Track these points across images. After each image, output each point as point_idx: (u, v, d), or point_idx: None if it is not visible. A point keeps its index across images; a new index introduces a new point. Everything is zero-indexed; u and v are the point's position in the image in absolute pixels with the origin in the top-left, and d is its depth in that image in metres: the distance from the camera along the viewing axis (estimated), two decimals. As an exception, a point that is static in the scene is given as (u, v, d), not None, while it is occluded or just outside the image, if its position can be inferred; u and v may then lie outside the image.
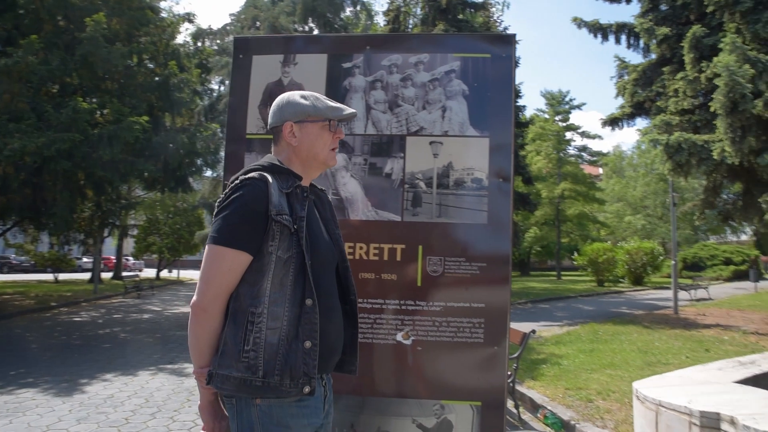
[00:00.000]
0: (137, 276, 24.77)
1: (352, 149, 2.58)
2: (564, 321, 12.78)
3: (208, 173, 18.35)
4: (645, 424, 3.09)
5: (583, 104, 50.97)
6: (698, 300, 19.04)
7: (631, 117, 14.20)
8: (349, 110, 1.72)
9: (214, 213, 1.58)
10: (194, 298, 1.53)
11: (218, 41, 20.67)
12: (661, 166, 13.12)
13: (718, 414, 2.60)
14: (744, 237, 44.00)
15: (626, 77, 13.78)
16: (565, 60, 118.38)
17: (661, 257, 30.38)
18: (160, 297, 20.22)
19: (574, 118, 72.81)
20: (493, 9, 20.55)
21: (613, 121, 14.59)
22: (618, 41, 14.16)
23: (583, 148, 38.97)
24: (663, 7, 13.03)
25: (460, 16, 18.07)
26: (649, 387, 3.20)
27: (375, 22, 22.18)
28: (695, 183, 28.37)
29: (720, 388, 3.13)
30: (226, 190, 1.57)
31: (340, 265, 1.77)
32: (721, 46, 9.73)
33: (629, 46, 14.11)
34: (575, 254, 29.77)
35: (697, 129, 11.58)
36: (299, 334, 1.50)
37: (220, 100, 16.56)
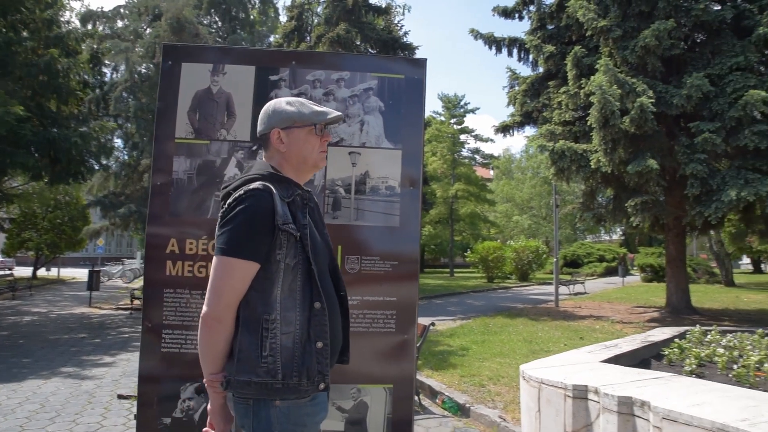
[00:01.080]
0: (11, 275, 22.83)
1: (278, 156, 2.79)
2: (457, 315, 13.57)
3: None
4: (530, 399, 3.58)
5: (477, 108, 53.35)
6: (576, 294, 20.87)
7: (520, 125, 15.35)
8: (334, 114, 1.77)
9: (219, 224, 1.61)
10: (205, 309, 1.57)
11: (110, 25, 19.53)
12: (546, 171, 14.30)
13: (586, 386, 3.11)
14: (615, 237, 48.49)
15: (517, 88, 14.88)
16: (462, 65, 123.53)
17: (545, 255, 32.79)
18: (41, 298, 18.75)
19: (469, 121, 76.02)
20: (395, 12, 21.21)
21: (504, 129, 15.68)
22: (510, 54, 15.26)
23: (476, 151, 40.88)
24: (550, 27, 14.24)
25: (364, 19, 18.45)
26: (533, 369, 3.70)
27: (281, 21, 22.08)
28: (576, 187, 30.88)
29: (589, 366, 3.67)
30: (230, 201, 1.59)
31: (330, 263, 1.84)
32: (597, 66, 10.86)
33: (520, 59, 15.27)
34: (467, 252, 31.23)
35: (577, 139, 12.79)
36: (311, 336, 1.59)
37: (115, 88, 15.71)
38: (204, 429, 1.72)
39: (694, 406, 2.49)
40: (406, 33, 20.86)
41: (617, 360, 4.11)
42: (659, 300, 16.25)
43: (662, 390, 2.90)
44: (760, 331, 5.13)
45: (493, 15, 15.48)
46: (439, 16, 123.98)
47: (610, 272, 36.61)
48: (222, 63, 2.80)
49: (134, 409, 4.92)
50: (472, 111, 40.35)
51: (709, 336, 4.88)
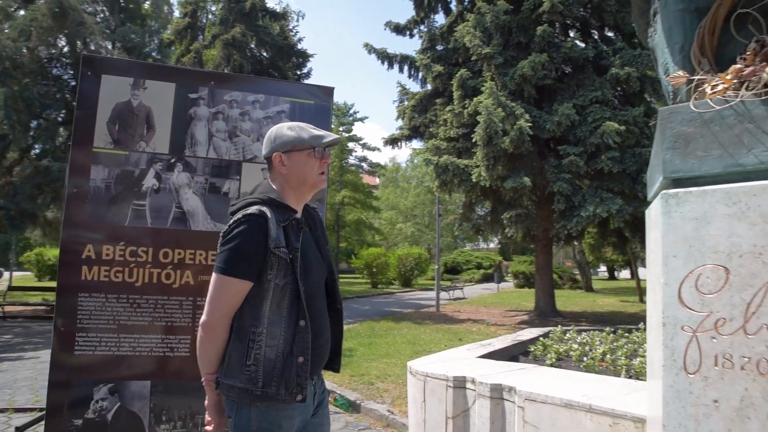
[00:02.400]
0: None
1: (195, 170, 2.98)
2: (345, 320, 13.94)
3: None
4: (416, 391, 4.02)
5: (366, 118, 54.33)
6: (455, 299, 22.13)
7: (408, 138, 16.14)
8: (331, 137, 1.89)
9: (220, 243, 1.77)
10: (204, 318, 1.75)
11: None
12: (431, 182, 15.17)
13: (464, 377, 3.60)
14: (492, 245, 51.70)
15: (406, 103, 15.66)
16: (352, 74, 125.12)
17: (427, 262, 34.26)
18: None
19: (357, 129, 77.18)
20: (290, 18, 21.31)
21: (393, 141, 16.40)
22: (401, 70, 16.04)
23: (363, 159, 41.64)
24: (439, 48, 15.18)
25: (260, 23, 18.38)
26: (419, 364, 4.15)
27: (174, 17, 21.30)
28: (457, 198, 32.66)
29: (468, 361, 4.19)
30: (230, 224, 1.76)
31: (329, 278, 1.97)
32: (482, 89, 11.83)
33: (410, 76, 16.09)
34: (352, 258, 31.79)
35: (460, 154, 13.76)
36: (293, 351, 1.72)
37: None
38: (206, 423, 1.88)
39: (549, 388, 3.04)
40: (300, 39, 21.03)
41: (491, 356, 4.69)
42: (529, 304, 17.79)
43: (526, 378, 3.45)
44: (607, 329, 6.03)
45: (385, 29, 16.19)
46: (332, 25, 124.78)
47: (486, 279, 38.87)
48: (143, 78, 2.94)
49: (13, 422, 4.73)
50: (361, 120, 41.10)
51: (567, 334, 5.65)
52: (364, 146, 40.23)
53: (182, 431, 2.85)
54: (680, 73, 1.99)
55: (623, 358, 4.55)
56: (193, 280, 2.89)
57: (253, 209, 1.75)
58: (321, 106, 3.25)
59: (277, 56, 18.32)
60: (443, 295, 20.77)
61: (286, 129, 1.88)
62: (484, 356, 4.61)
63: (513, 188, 11.82)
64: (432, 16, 15.92)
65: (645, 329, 5.79)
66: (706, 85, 1.84)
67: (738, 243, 1.64)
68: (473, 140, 12.11)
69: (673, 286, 1.75)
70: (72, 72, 15.62)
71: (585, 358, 4.56)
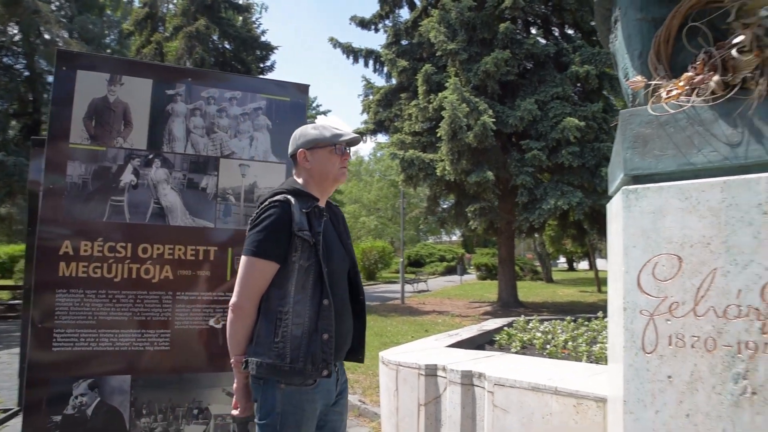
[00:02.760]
0: None
1: (173, 165, 3.01)
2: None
3: None
4: (389, 380, 4.14)
5: (329, 111, 54.10)
6: (419, 291, 22.41)
7: (373, 132, 16.24)
8: (351, 135, 2.04)
9: (248, 229, 1.91)
10: (234, 299, 1.86)
11: None
12: (396, 176, 15.32)
13: (435, 365, 3.74)
14: (454, 238, 52.35)
15: (371, 97, 15.74)
16: (315, 67, 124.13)
17: (391, 255, 34.50)
18: None
19: (320, 122, 76.52)
20: (254, 10, 21.07)
21: (358, 135, 16.44)
22: (366, 65, 16.11)
23: (328, 152, 41.31)
24: (404, 42, 15.30)
25: (223, 15, 18.13)
26: (391, 354, 4.28)
27: (135, 6, 20.75)
28: (421, 191, 32.94)
29: (437, 351, 4.34)
30: (258, 211, 1.90)
31: (351, 270, 2.06)
32: (447, 84, 12.01)
33: (375, 70, 16.17)
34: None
35: (425, 149, 13.94)
36: (318, 328, 1.82)
37: None
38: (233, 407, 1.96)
39: (517, 373, 3.21)
40: (263, 32, 20.82)
41: (459, 345, 4.85)
42: (492, 295, 18.18)
43: (494, 364, 3.62)
44: (568, 318, 6.30)
45: (350, 24, 16.22)
46: (294, 18, 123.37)
47: (449, 271, 39.36)
48: (119, 74, 2.95)
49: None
50: (324, 113, 40.92)
51: (530, 324, 5.87)
52: (328, 140, 39.82)
53: (162, 424, 2.90)
54: (639, 77, 2.16)
55: (584, 345, 4.78)
56: (172, 275, 2.93)
57: (278, 196, 1.89)
58: (296, 103, 3.32)
59: (241, 49, 18.11)
60: (407, 287, 21.00)
61: (310, 128, 2.05)
62: (452, 345, 4.77)
63: (477, 182, 12.07)
64: (397, 11, 16.02)
65: (603, 318, 6.09)
66: (661, 90, 2.01)
67: (689, 234, 1.81)
68: (438, 135, 12.29)
69: (633, 274, 1.91)
70: (25, 62, 15.11)
71: (548, 346, 4.78)
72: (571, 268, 45.16)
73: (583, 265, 47.72)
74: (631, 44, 2.29)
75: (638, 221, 1.93)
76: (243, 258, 1.87)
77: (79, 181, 2.85)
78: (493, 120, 11.76)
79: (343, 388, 2.04)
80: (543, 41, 13.46)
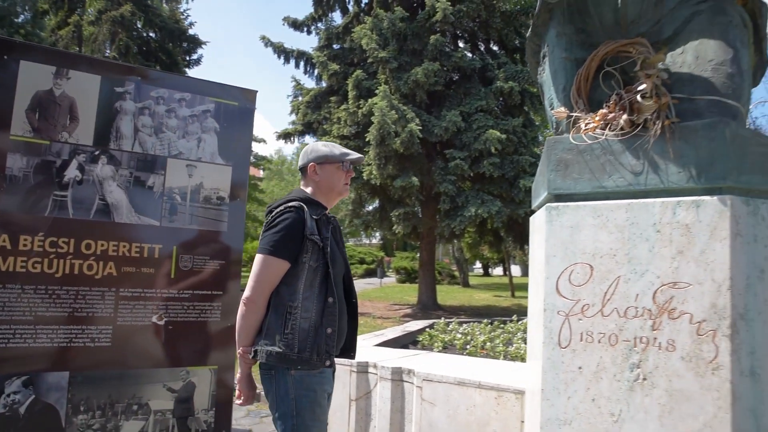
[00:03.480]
0: None
1: (120, 163, 3.04)
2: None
3: None
4: (320, 378, 4.32)
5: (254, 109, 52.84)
6: (341, 293, 22.53)
7: (302, 134, 16.26)
8: (356, 155, 2.29)
9: (263, 231, 2.08)
10: (247, 293, 2.02)
11: None
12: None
13: (366, 362, 3.96)
14: (374, 241, 52.91)
15: (301, 99, 15.76)
16: (241, 63, 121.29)
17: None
18: None
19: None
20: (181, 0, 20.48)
21: (286, 136, 16.43)
22: (297, 66, 16.10)
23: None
24: (336, 46, 15.45)
25: (149, 1, 17.51)
26: (322, 352, 4.46)
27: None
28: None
29: (366, 350, 4.55)
30: (273, 215, 2.08)
31: (346, 275, 2.26)
32: (377, 91, 12.29)
33: (306, 72, 16.20)
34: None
35: (353, 152, 14.14)
36: (323, 323, 2.03)
37: None
38: (236, 396, 2.12)
39: (443, 369, 3.48)
40: (191, 24, 20.25)
41: (385, 345, 5.10)
42: (412, 298, 18.65)
43: (422, 361, 3.88)
44: (485, 321, 6.73)
45: (283, 24, 16.18)
46: (223, 13, 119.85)
47: (369, 274, 39.74)
48: (66, 68, 2.94)
49: None
50: (251, 110, 40.06)
51: (450, 326, 6.23)
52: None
53: (101, 420, 2.91)
54: (562, 109, 2.48)
55: (501, 345, 5.18)
56: (116, 272, 2.96)
57: (293, 203, 2.10)
58: (245, 108, 3.43)
59: (167, 39, 17.55)
60: (330, 289, 21.05)
61: (320, 146, 2.26)
62: (379, 345, 5.01)
63: (402, 187, 12.43)
64: (330, 15, 16.15)
65: (518, 321, 6.54)
66: (581, 122, 2.34)
67: (600, 247, 2.13)
68: (366, 139, 12.55)
69: (553, 280, 2.22)
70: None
71: (468, 346, 5.14)
72: (486, 274, 46.91)
73: (498, 270, 49.73)
74: (557, 79, 2.62)
75: (558, 234, 2.24)
76: (259, 256, 2.04)
77: (20, 174, 2.82)
78: (420, 128, 12.17)
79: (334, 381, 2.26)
80: (470, 55, 14.06)
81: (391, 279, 35.85)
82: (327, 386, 2.11)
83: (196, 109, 3.28)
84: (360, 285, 29.54)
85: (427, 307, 15.11)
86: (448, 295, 21.46)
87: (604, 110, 2.22)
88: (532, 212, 2.76)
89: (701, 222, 1.94)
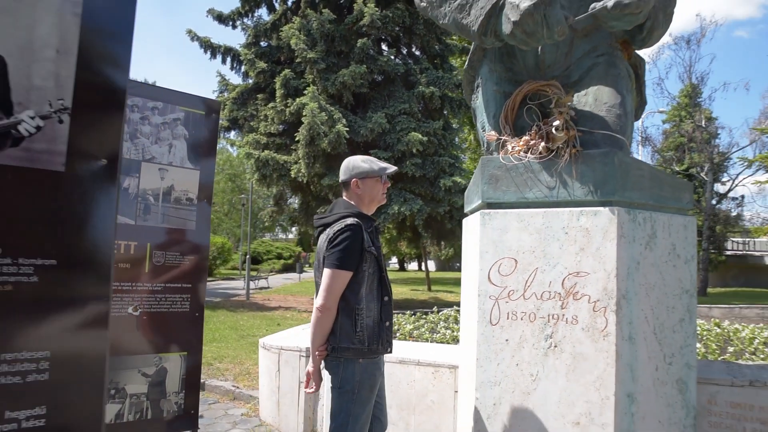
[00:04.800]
0: None
1: (98, 166, 3.29)
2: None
3: None
4: (270, 363, 4.69)
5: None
6: (261, 288, 22.60)
7: (227, 130, 16.23)
8: (392, 168, 2.63)
9: (330, 247, 2.38)
10: (320, 302, 2.37)
11: None
12: (249, 175, 15.51)
13: (316, 348, 4.41)
14: (291, 236, 52.77)
15: (227, 95, 15.73)
16: (158, 54, 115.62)
17: (230, 251, 33.94)
18: None
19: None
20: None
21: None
22: (224, 62, 16.04)
23: (168, 144, 39.27)
24: (263, 44, 15.55)
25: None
26: (271, 340, 4.83)
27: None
28: (260, 189, 32.86)
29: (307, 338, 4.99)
30: (336, 232, 2.39)
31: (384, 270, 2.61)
32: (305, 92, 12.61)
33: (233, 68, 16.16)
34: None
35: (279, 149, 14.40)
36: (383, 318, 2.44)
37: None
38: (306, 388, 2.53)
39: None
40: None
41: (326, 333, 5.57)
42: (333, 293, 19.06)
43: (365, 345, 4.39)
44: (408, 312, 7.35)
45: (207, 16, 16.03)
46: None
47: (287, 269, 39.73)
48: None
49: None
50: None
51: (381, 315, 6.78)
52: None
53: (79, 401, 3.18)
54: (493, 133, 3.06)
55: (426, 333, 5.80)
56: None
57: (350, 220, 2.42)
58: (210, 116, 3.76)
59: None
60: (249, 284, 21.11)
61: (360, 161, 2.59)
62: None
63: (329, 185, 12.86)
64: (256, 11, 16.20)
65: (438, 312, 7.20)
66: (508, 144, 2.92)
67: (522, 245, 2.72)
68: (295, 138, 12.84)
69: (485, 271, 2.78)
70: None
71: (397, 334, 5.71)
72: (402, 269, 48.22)
73: (413, 266, 51.14)
74: (488, 107, 3.20)
75: (490, 235, 2.81)
76: (328, 270, 2.39)
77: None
78: (347, 129, 12.65)
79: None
80: (395, 59, 14.70)
81: (310, 274, 36.13)
82: (382, 367, 2.57)
83: (168, 117, 3.57)
84: (279, 280, 29.64)
85: (350, 300, 15.60)
86: (368, 289, 22.07)
87: (527, 137, 2.82)
88: (463, 215, 3.32)
89: (597, 226, 2.58)
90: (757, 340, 5.55)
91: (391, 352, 2.54)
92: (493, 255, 2.79)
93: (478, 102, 3.36)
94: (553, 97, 2.81)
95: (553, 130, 2.69)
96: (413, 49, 15.95)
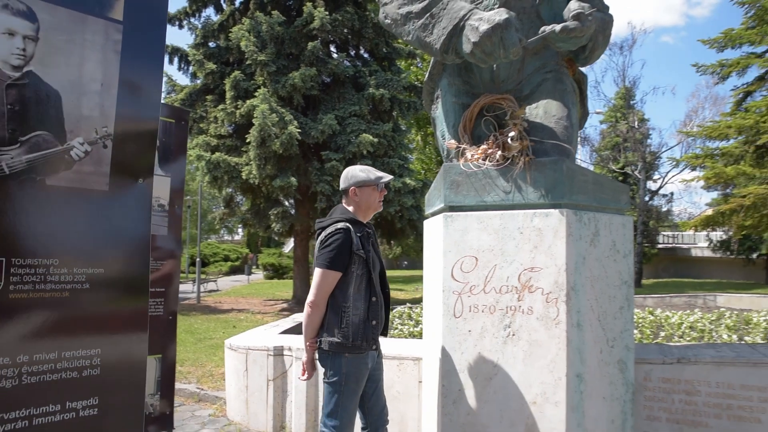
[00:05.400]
0: None
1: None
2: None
3: None
4: (238, 363, 4.82)
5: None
6: (210, 291, 22.30)
7: (174, 130, 15.94)
8: (387, 177, 2.84)
9: (320, 248, 2.63)
10: (311, 298, 2.63)
11: None
12: (199, 177, 15.34)
13: (282, 346, 4.57)
14: (237, 237, 51.95)
15: (174, 95, 15.48)
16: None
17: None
18: None
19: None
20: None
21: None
22: (171, 62, 15.76)
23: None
24: (212, 44, 15.40)
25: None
26: (238, 341, 4.95)
27: None
28: (206, 191, 32.25)
29: (275, 338, 5.13)
30: (326, 234, 2.64)
31: (380, 271, 2.83)
32: (256, 94, 12.62)
33: (180, 69, 15.92)
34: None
35: (230, 151, 14.32)
36: (369, 317, 2.64)
37: None
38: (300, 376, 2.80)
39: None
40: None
41: (287, 333, 5.72)
42: (283, 294, 19.12)
43: (331, 342, 4.58)
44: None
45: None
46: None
47: (234, 271, 39.16)
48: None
49: None
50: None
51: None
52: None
53: (56, 405, 3.24)
54: (452, 141, 3.33)
55: (387, 327, 6.02)
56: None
57: (341, 224, 2.67)
58: (180, 124, 3.87)
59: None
60: (195, 287, 20.79)
61: (358, 171, 2.83)
62: (283, 333, 5.62)
63: (281, 186, 12.92)
64: (204, 11, 16.02)
65: (393, 309, 7.44)
66: (467, 152, 3.20)
67: (482, 244, 3.00)
68: (246, 140, 12.83)
69: (449, 268, 3.05)
70: None
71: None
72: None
73: (362, 264, 51.14)
74: (448, 117, 3.47)
75: (452, 235, 3.08)
76: (318, 270, 2.63)
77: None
78: (299, 131, 12.75)
79: (379, 352, 2.89)
80: (346, 63, 14.88)
81: (258, 276, 35.73)
82: (369, 363, 2.74)
83: (138, 126, 3.66)
84: (228, 282, 29.25)
85: (302, 301, 15.58)
86: (319, 289, 22.15)
87: (484, 146, 3.11)
88: (413, 216, 3.58)
89: (548, 227, 2.88)
90: (684, 325, 6.11)
91: (376, 349, 2.76)
92: (455, 254, 3.05)
93: (438, 112, 3.63)
94: (508, 110, 3.11)
95: (509, 140, 2.99)
96: (362, 52, 16.18)
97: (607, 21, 3.27)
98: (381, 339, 2.89)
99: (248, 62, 13.56)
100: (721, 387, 3.30)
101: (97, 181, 1.47)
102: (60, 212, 1.41)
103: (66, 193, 1.43)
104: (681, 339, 5.36)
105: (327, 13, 13.60)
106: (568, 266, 2.83)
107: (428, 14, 3.12)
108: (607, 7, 3.46)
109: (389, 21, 3.38)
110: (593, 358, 2.94)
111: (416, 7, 3.16)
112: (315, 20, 13.42)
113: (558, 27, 2.86)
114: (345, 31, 14.73)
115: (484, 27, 2.79)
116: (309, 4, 13.72)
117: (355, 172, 2.84)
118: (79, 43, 1.38)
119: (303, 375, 2.79)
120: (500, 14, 2.82)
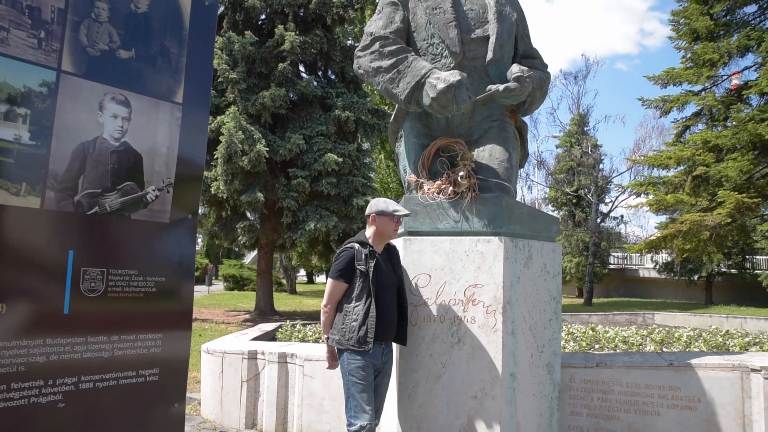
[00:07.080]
0: None
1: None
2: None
3: None
4: (214, 366, 5.25)
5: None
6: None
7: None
8: (404, 211, 3.30)
9: (333, 262, 3.25)
10: (323, 302, 3.24)
11: None
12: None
13: (256, 350, 5.03)
14: (197, 248, 51.37)
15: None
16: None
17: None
18: None
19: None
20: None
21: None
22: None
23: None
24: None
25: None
26: (214, 345, 5.39)
27: None
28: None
29: (247, 344, 5.58)
30: (338, 251, 3.27)
31: (399, 288, 3.34)
32: (227, 111, 13.04)
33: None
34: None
35: (197, 164, 14.59)
36: (366, 323, 3.10)
37: None
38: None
39: (318, 352, 4.72)
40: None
41: (257, 339, 6.18)
42: (245, 305, 19.35)
43: (298, 348, 5.08)
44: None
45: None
46: None
47: (195, 281, 38.76)
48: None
49: None
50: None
51: (297, 327, 7.44)
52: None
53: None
54: (413, 176, 3.93)
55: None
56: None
57: (349, 243, 3.30)
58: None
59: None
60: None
61: (381, 202, 3.34)
62: (254, 339, 6.08)
63: (248, 202, 13.32)
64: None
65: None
66: (425, 186, 3.79)
67: (435, 264, 3.59)
68: (214, 155, 13.21)
69: (406, 284, 3.62)
70: None
71: (320, 341, 6.42)
72: (310, 281, 48.50)
73: (322, 278, 51.47)
74: (409, 154, 4.07)
75: (411, 256, 3.65)
76: (329, 279, 3.26)
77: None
78: (267, 149, 13.21)
79: (387, 359, 3.32)
80: (314, 83, 15.45)
81: (218, 287, 35.57)
82: (373, 360, 3.18)
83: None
84: (186, 294, 29.04)
85: (265, 312, 16.03)
86: (279, 301, 22.41)
87: (439, 182, 3.71)
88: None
89: (489, 251, 3.50)
90: (617, 339, 6.84)
91: (368, 351, 3.14)
92: (413, 271, 3.63)
93: (401, 149, 4.23)
94: (459, 152, 3.73)
95: (459, 177, 3.60)
96: (330, 74, 16.79)
97: (544, 79, 3.95)
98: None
99: (220, 79, 13.96)
100: (630, 387, 3.97)
101: (163, 216, 2.04)
102: (139, 238, 2.01)
103: (143, 224, 2.02)
104: (614, 350, 6.07)
105: (297, 35, 14.17)
106: (505, 284, 3.44)
107: (395, 70, 3.72)
108: (546, 65, 4.15)
109: (362, 71, 3.96)
110: (525, 360, 3.55)
111: (386, 63, 3.75)
112: (285, 42, 13.96)
113: (501, 87, 3.51)
114: (314, 52, 15.31)
115: (440, 86, 3.41)
116: (281, 26, 14.27)
117: (378, 203, 3.36)
118: (154, 120, 1.97)
119: (329, 366, 3.41)
120: (454, 75, 3.44)
